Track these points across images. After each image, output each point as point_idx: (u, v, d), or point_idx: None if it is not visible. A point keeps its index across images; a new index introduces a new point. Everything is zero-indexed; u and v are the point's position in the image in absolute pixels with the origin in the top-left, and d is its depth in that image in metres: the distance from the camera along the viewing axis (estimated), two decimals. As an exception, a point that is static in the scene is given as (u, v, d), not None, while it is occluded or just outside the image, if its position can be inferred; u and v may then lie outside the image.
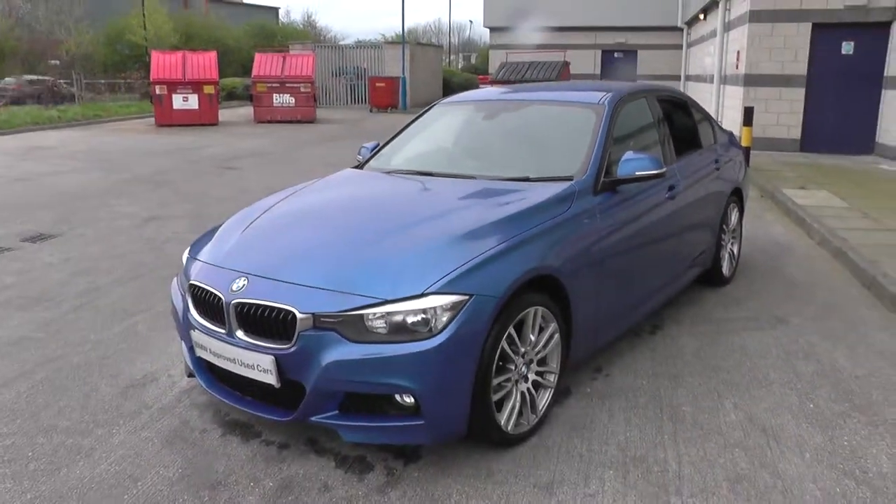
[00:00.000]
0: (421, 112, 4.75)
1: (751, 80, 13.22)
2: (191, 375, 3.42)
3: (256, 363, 2.79)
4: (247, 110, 24.77)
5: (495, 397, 2.87)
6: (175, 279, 3.59)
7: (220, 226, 3.67)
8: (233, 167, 12.03)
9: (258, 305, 2.79)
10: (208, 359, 3.03)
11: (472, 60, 55.28)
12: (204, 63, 19.12)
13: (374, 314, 2.65)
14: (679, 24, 27.07)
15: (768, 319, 4.65)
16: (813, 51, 12.45)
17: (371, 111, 26.90)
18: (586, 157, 3.69)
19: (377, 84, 26.75)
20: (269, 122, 20.47)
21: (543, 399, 3.18)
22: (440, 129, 4.51)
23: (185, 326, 3.17)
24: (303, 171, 11.45)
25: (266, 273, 2.91)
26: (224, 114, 22.12)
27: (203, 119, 18.99)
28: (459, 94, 4.98)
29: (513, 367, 2.96)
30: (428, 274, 2.73)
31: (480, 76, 27.57)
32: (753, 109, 10.97)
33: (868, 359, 4.04)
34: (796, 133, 12.84)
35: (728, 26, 15.81)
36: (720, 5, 16.15)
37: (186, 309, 3.15)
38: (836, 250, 6.11)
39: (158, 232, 7.24)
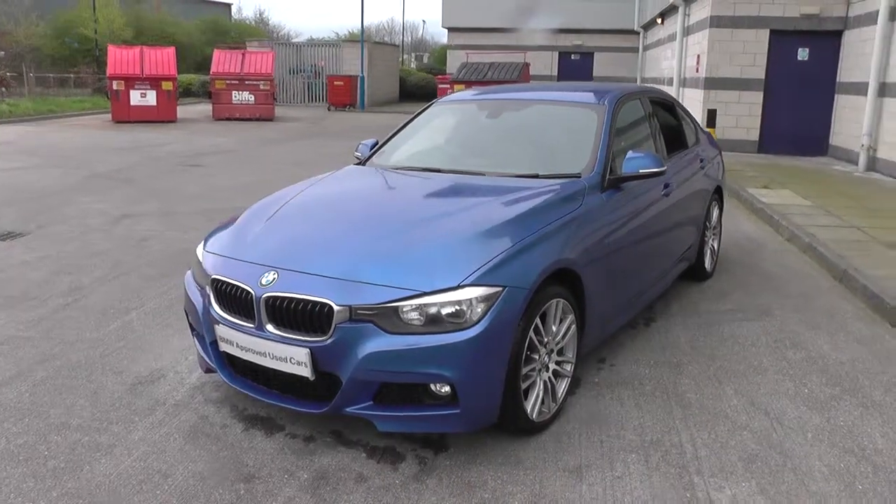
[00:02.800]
0: (419, 111, 4.82)
1: (711, 84, 13.65)
2: (209, 371, 3.41)
3: (290, 356, 2.82)
4: (204, 107, 24.33)
5: (523, 386, 2.96)
6: (188, 274, 3.57)
7: (233, 220, 3.66)
8: (198, 164, 11.84)
9: (291, 299, 2.82)
10: (234, 353, 3.03)
11: (425, 60, 55.24)
12: (162, 59, 18.71)
13: (412, 306, 2.70)
14: (636, 27, 27.66)
15: (753, 311, 4.87)
16: (771, 56, 12.94)
17: (329, 109, 26.73)
18: (592, 155, 3.81)
19: (336, 83, 26.60)
20: (228, 119, 20.16)
21: (562, 387, 3.29)
22: (442, 128, 4.58)
23: (207, 322, 3.17)
24: (271, 169, 11.37)
25: (296, 266, 2.93)
26: (181, 111, 21.65)
27: (161, 116, 18.57)
28: (455, 93, 5.05)
29: (537, 357, 3.05)
30: (462, 266, 2.80)
31: (439, 76, 27.59)
32: (716, 112, 11.35)
33: (849, 346, 4.27)
34: (755, 135, 13.32)
35: (687, 31, 16.28)
36: (680, 10, 16.61)
37: (208, 304, 3.15)
38: (805, 245, 6.40)
39: (133, 230, 7.11)
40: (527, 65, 23.39)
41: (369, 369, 2.71)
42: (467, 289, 2.73)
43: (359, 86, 27.37)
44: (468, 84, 20.29)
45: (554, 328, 3.14)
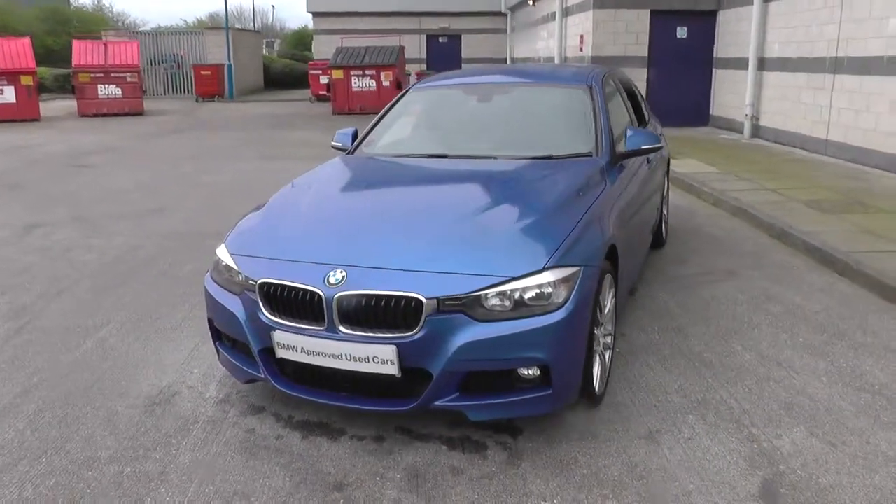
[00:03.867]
0: (396, 98, 4.72)
1: (597, 62, 14.27)
2: (249, 381, 3.23)
3: (372, 355, 2.72)
4: (65, 103, 22.37)
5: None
6: (210, 282, 3.34)
7: (253, 221, 3.46)
8: (86, 165, 10.92)
9: (370, 296, 2.71)
10: (298, 359, 2.87)
11: (276, 47, 53.29)
12: (17, 50, 16.86)
13: (499, 293, 2.69)
14: (502, 9, 28.32)
15: (719, 273, 5.23)
16: (652, 35, 13.74)
17: (198, 101, 25.34)
18: (598, 134, 3.94)
19: (202, 72, 25.24)
20: (96, 115, 18.61)
21: (608, 360, 3.40)
22: (431, 114, 4.53)
23: (254, 329, 2.98)
24: (168, 166, 10.71)
25: (366, 262, 2.82)
26: (41, 108, 19.75)
27: (23, 114, 16.78)
28: (429, 79, 4.99)
29: (597, 332, 3.14)
30: (540, 250, 2.82)
31: (311, 63, 26.82)
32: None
33: (815, 296, 4.71)
34: (641, 109, 14.12)
35: (566, 12, 16.90)
36: (558, -8, 17.21)
37: (256, 310, 2.96)
38: (734, 209, 6.94)
39: (51, 240, 6.47)
40: (402, 48, 23.37)
41: (463, 359, 2.67)
42: (550, 271, 2.76)
43: (226, 75, 26.15)
44: (346, 69, 20.03)
45: (607, 303, 3.24)
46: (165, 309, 4.70)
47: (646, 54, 13.82)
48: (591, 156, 3.81)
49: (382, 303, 2.71)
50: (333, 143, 4.64)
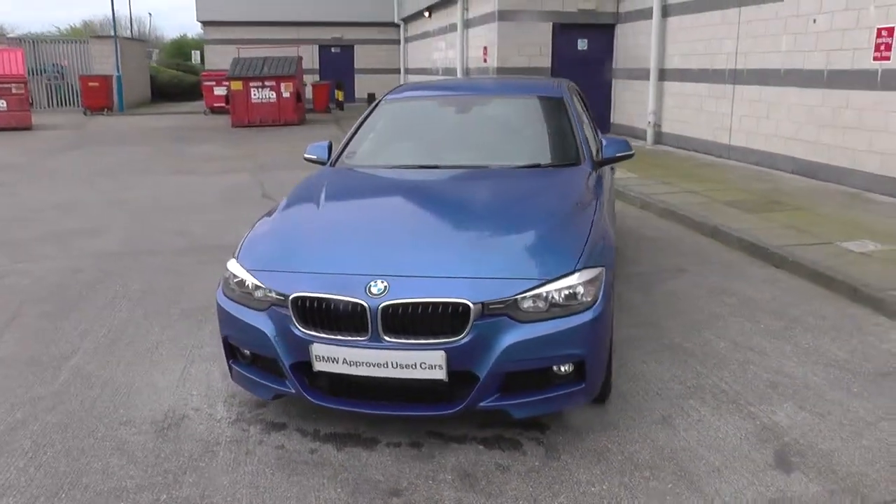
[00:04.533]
0: (369, 109, 4.76)
1: (502, 73, 14.76)
2: (277, 396, 3.20)
3: (419, 362, 2.78)
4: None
5: None
6: (224, 300, 3.26)
7: (261, 237, 3.42)
8: (-16, 185, 10.12)
9: (416, 304, 2.78)
10: (338, 371, 2.88)
11: (154, 57, 51.01)
12: None
13: (537, 295, 2.83)
14: (396, 20, 28.56)
15: (671, 269, 5.63)
16: (555, 47, 14.37)
17: (86, 114, 23.84)
18: (578, 143, 4.17)
19: (90, 84, 23.79)
20: (-25, 130, 17.16)
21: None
22: (410, 125, 4.61)
23: (286, 344, 2.96)
24: (80, 183, 10.14)
25: (405, 271, 2.88)
26: None
27: None
28: (400, 89, 5.06)
29: (610, 327, 3.35)
30: (569, 252, 2.99)
31: (204, 73, 25.88)
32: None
33: (762, 286, 5.17)
34: (548, 118, 14.72)
35: (468, 24, 17.34)
36: (458, 4, 17.62)
37: (289, 325, 2.94)
38: (661, 211, 7.44)
39: (-26, 266, 6.00)
40: (300, 58, 23.10)
41: (509, 360, 2.79)
42: (579, 273, 2.93)
43: (115, 86, 24.81)
44: (245, 80, 19.56)
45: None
46: (133, 331, 4.51)
47: (549, 65, 14.43)
48: (576, 164, 4.03)
49: (429, 310, 2.78)
50: (307, 156, 4.63)
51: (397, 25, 28.99)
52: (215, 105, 23.19)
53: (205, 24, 30.28)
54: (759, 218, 6.76)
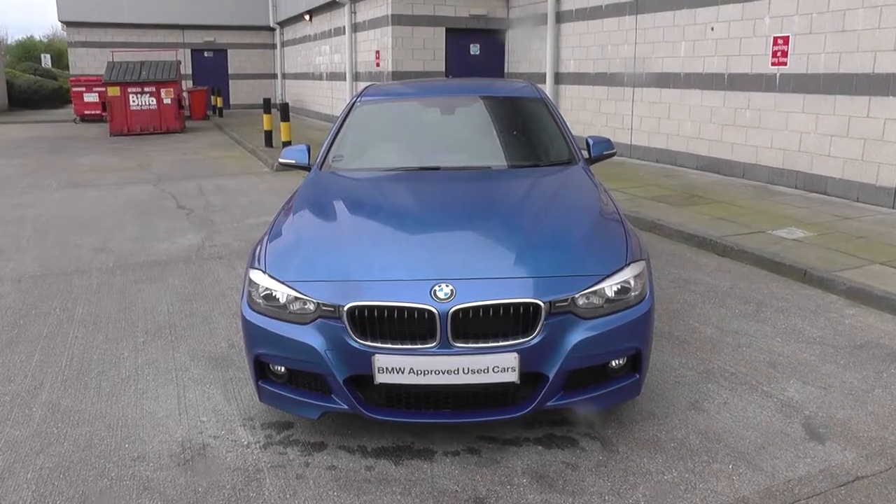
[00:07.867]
0: (345, 111, 4.57)
1: (398, 77, 14.76)
2: (323, 415, 3.01)
3: (492, 365, 2.72)
4: None
5: None
6: (254, 315, 3.02)
7: (287, 247, 3.21)
8: None
9: (487, 307, 2.71)
10: (403, 381, 2.76)
11: (-1, 61, 46.44)
12: None
13: (594, 291, 2.86)
14: (271, 24, 27.78)
15: (627, 263, 5.85)
16: (448, 51, 14.58)
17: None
18: (569, 142, 4.26)
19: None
20: None
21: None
22: (393, 127, 4.48)
23: (340, 359, 2.79)
24: (18, 194, 9.03)
25: (467, 274, 2.80)
26: None
27: None
28: (375, 90, 4.90)
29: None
30: (618, 248, 3.05)
31: (72, 79, 23.75)
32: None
33: (717, 274, 5.50)
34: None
35: (356, 27, 17.18)
36: (346, 8, 17.40)
37: (345, 337, 2.78)
38: (593, 208, 7.72)
39: None
40: (179, 63, 21.89)
41: (576, 357, 2.79)
42: (629, 267, 2.99)
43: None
44: (123, 86, 18.26)
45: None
46: (100, 359, 4.09)
47: (443, 69, 14.63)
48: (571, 163, 4.11)
49: (501, 311, 2.73)
50: (283, 160, 4.41)
51: (273, 29, 28.19)
52: (86, 112, 21.50)
53: (67, 24, 27.95)
54: (687, 211, 7.20)
